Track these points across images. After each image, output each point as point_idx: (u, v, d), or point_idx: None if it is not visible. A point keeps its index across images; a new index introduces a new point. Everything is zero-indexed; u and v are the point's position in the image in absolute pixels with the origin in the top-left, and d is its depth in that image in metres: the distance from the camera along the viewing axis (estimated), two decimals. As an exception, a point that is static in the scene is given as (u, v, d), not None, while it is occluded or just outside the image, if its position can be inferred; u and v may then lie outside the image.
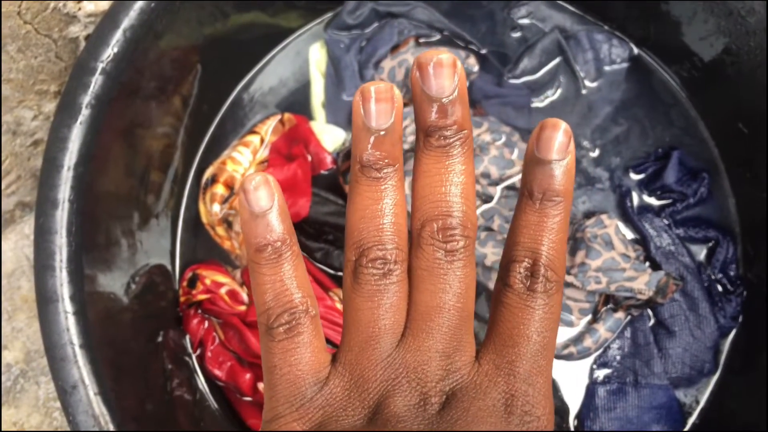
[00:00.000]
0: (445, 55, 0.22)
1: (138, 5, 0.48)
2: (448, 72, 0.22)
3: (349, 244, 0.23)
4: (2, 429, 0.59)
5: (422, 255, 0.23)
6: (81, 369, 0.43)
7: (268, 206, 0.23)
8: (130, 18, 0.48)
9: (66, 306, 0.44)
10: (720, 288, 0.58)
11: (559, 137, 0.23)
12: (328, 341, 0.55)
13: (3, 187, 0.61)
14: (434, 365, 0.23)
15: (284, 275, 0.23)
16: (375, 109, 0.22)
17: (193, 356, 0.57)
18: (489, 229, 0.58)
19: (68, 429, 0.60)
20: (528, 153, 0.23)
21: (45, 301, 0.44)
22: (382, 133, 0.23)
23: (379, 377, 0.23)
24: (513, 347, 0.23)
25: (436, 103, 0.23)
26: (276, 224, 0.23)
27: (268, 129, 0.61)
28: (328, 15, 0.65)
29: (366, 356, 0.23)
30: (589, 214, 0.60)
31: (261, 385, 0.55)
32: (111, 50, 0.47)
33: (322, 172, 0.61)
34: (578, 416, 0.57)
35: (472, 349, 0.23)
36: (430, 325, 0.23)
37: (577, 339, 0.57)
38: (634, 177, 0.61)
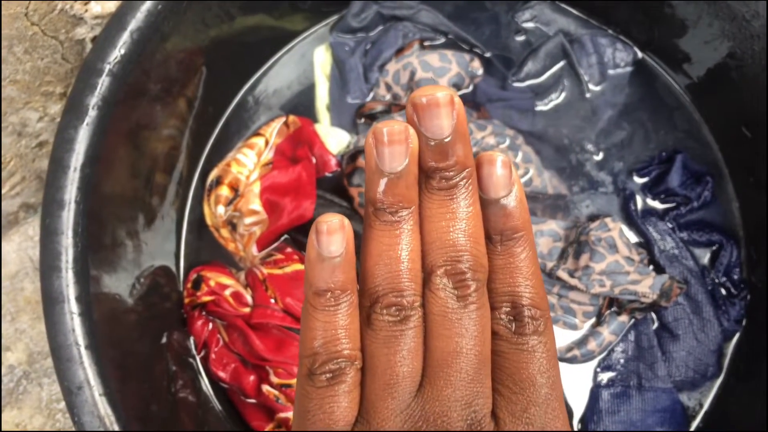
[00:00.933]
0: (441, 92, 0.22)
1: (145, 7, 0.48)
2: (446, 111, 0.22)
3: (364, 289, 0.23)
4: (4, 431, 0.59)
5: (435, 301, 0.22)
6: (87, 370, 0.43)
7: (339, 253, 0.22)
8: (137, 20, 0.48)
9: (72, 307, 0.44)
10: (724, 291, 0.59)
11: (498, 172, 0.23)
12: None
13: (7, 188, 0.61)
14: (455, 416, 0.22)
15: (338, 324, 0.23)
16: (389, 151, 0.22)
17: (198, 358, 0.57)
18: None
19: (71, 430, 0.60)
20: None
21: (51, 301, 0.44)
22: (397, 175, 0.22)
23: (398, 428, 0.22)
24: (522, 393, 0.22)
25: (435, 144, 0.22)
26: (341, 272, 0.23)
27: (273, 131, 0.62)
28: (333, 18, 0.65)
29: (385, 405, 0.22)
30: (593, 218, 0.60)
31: (265, 387, 0.55)
32: (118, 51, 0.47)
33: (327, 174, 0.61)
34: (582, 419, 0.57)
35: (491, 393, 0.23)
36: (447, 372, 0.22)
37: (581, 342, 0.57)
38: (638, 180, 0.62)
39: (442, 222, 0.22)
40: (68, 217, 0.45)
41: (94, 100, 0.46)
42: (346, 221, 0.23)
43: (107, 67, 0.47)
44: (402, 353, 0.22)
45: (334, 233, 0.22)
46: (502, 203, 0.23)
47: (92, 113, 0.46)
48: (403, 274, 0.22)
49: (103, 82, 0.47)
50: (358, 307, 0.23)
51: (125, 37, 0.48)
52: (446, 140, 0.22)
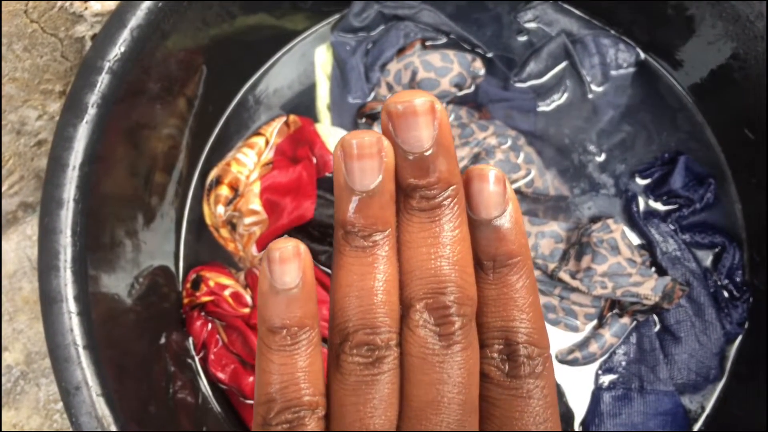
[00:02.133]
0: (419, 98, 0.19)
1: (145, 5, 0.48)
2: (425, 120, 0.19)
3: (333, 325, 0.20)
4: (2, 431, 0.58)
5: (414, 340, 0.19)
6: (84, 370, 0.43)
7: (294, 284, 0.20)
8: (137, 17, 0.47)
9: (70, 306, 0.43)
10: (726, 294, 0.58)
11: (490, 188, 0.20)
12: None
13: (6, 187, 0.60)
14: None
15: (296, 365, 0.20)
16: (359, 166, 0.19)
17: (196, 358, 0.57)
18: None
19: (69, 430, 0.59)
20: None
21: (49, 301, 0.43)
22: (369, 194, 0.19)
23: None
24: None
25: (414, 158, 0.19)
26: (298, 306, 0.20)
27: (273, 131, 0.61)
28: (335, 17, 0.65)
29: None
30: (595, 219, 0.59)
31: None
32: (118, 49, 0.47)
33: (327, 174, 0.61)
34: (583, 422, 0.56)
35: None
36: (426, 425, 0.19)
37: (583, 344, 0.57)
38: (640, 182, 0.61)
39: (422, 248, 0.19)
40: (67, 215, 0.44)
41: (93, 98, 0.46)
42: (302, 247, 0.20)
43: (107, 65, 0.47)
44: (373, 402, 0.19)
45: (287, 262, 0.20)
46: (494, 224, 0.20)
47: (92, 111, 0.46)
48: (376, 308, 0.19)
49: (103, 80, 0.46)
50: (329, 345, 0.20)
51: (125, 35, 0.47)
52: (427, 153, 0.19)
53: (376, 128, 0.59)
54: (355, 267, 0.20)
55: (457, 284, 0.19)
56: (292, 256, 0.20)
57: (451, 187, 0.19)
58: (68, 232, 0.44)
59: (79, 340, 0.43)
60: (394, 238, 0.20)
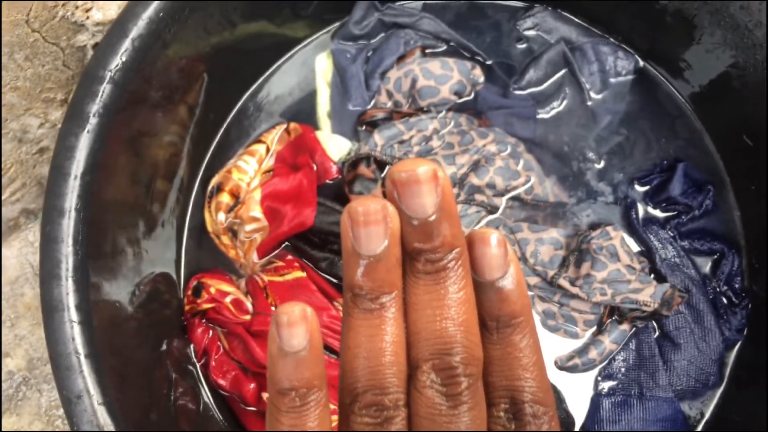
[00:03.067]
0: (422, 167, 0.20)
1: (146, 14, 0.48)
2: (429, 188, 0.20)
3: (343, 386, 0.20)
4: (4, 437, 0.59)
5: (421, 400, 0.20)
6: (86, 378, 0.43)
7: (302, 346, 0.20)
8: (138, 27, 0.48)
9: (72, 315, 0.43)
10: (725, 300, 0.58)
11: (492, 251, 0.21)
12: (332, 350, 0.55)
13: (8, 194, 0.61)
14: None
15: (306, 427, 0.20)
16: (365, 232, 0.20)
17: (198, 365, 0.57)
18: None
19: (71, 438, 0.59)
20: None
21: (50, 310, 0.43)
22: (376, 258, 0.20)
23: None
24: None
25: (419, 223, 0.20)
26: (306, 368, 0.20)
27: (274, 138, 0.61)
28: (335, 25, 0.65)
29: None
30: (594, 226, 0.60)
31: (265, 395, 0.54)
32: (119, 59, 0.47)
33: (328, 181, 0.61)
34: (583, 428, 0.57)
35: None
36: None
37: (582, 350, 0.57)
38: (639, 189, 0.61)
39: (428, 309, 0.20)
40: (68, 225, 0.45)
41: (95, 107, 0.46)
42: (309, 310, 0.21)
43: (108, 75, 0.47)
44: None
45: (295, 325, 0.20)
46: (497, 286, 0.20)
47: (93, 121, 0.46)
48: (385, 369, 0.20)
49: (104, 90, 0.47)
50: (339, 405, 0.21)
51: (126, 45, 0.47)
52: (430, 219, 0.20)
53: (376, 135, 0.60)
54: (363, 329, 0.20)
55: (463, 345, 0.20)
56: (300, 320, 0.20)
57: (455, 250, 0.20)
58: (69, 241, 0.44)
59: (81, 348, 0.43)
60: (401, 300, 0.21)
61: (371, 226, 0.20)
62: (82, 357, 0.43)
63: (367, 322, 0.20)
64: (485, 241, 0.21)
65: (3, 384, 0.61)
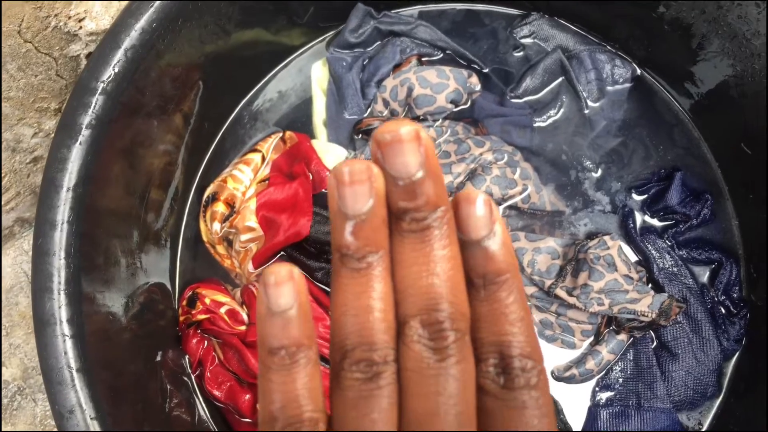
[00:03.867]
0: (405, 128, 0.20)
1: (140, 25, 0.48)
2: (411, 147, 0.20)
3: (332, 343, 0.21)
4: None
5: (409, 355, 0.20)
6: (78, 393, 0.43)
7: (289, 305, 0.21)
8: (131, 38, 0.47)
9: (64, 329, 0.43)
10: (723, 310, 0.58)
11: (477, 211, 0.21)
12: (327, 360, 0.55)
13: (2, 203, 0.60)
14: None
15: (296, 384, 0.21)
16: (350, 192, 0.20)
17: (192, 376, 0.57)
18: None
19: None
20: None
21: (42, 323, 0.43)
22: (362, 218, 0.20)
23: None
24: None
25: (403, 183, 0.20)
26: (295, 327, 0.21)
27: (270, 147, 0.61)
28: (331, 33, 0.65)
29: None
30: (591, 235, 0.59)
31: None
32: (112, 70, 0.47)
33: (324, 190, 0.61)
34: (580, 439, 0.56)
35: None
36: None
37: (580, 361, 0.57)
38: (637, 198, 0.61)
39: (414, 267, 0.20)
40: (60, 237, 0.44)
41: (87, 119, 0.46)
42: (296, 270, 0.21)
43: (101, 86, 0.46)
44: (373, 416, 0.20)
45: (282, 285, 0.21)
46: (483, 245, 0.21)
47: (85, 132, 0.46)
48: (373, 325, 0.20)
49: (97, 101, 0.46)
50: (330, 363, 0.21)
51: (119, 55, 0.47)
52: (414, 178, 0.20)
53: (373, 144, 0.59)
54: (351, 287, 0.21)
55: (450, 300, 0.20)
56: (286, 279, 0.21)
57: (440, 209, 0.21)
58: (62, 254, 0.44)
59: (73, 362, 0.43)
60: (388, 259, 0.21)
61: (356, 186, 0.20)
62: (74, 371, 0.43)
63: (354, 281, 0.21)
64: (470, 200, 0.21)
65: (-2, 394, 0.61)
